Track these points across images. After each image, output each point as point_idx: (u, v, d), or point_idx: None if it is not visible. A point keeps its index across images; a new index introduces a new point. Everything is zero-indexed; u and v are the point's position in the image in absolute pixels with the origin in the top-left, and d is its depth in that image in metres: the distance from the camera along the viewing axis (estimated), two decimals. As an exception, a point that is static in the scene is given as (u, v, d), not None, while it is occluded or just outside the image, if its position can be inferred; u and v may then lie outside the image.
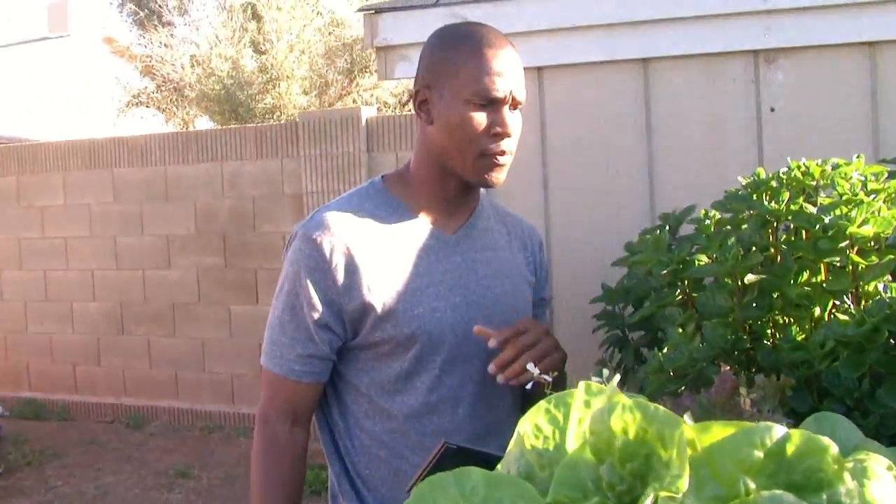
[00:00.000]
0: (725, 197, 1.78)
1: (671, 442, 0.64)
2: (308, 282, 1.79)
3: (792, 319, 1.59)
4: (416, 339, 1.81)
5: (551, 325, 2.50)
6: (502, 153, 1.79)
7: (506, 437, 1.83)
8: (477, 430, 1.86)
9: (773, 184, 1.68)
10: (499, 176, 1.82)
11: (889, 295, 1.45)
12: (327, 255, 1.78)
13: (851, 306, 1.56)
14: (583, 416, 0.73)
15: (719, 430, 0.68)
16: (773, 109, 2.38)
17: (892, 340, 1.41)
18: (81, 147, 8.20)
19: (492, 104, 1.76)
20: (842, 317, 1.48)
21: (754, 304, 1.61)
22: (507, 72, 1.77)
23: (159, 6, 14.57)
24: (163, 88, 14.79)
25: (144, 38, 14.73)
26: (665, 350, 1.64)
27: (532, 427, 0.75)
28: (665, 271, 1.75)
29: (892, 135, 2.30)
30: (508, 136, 1.79)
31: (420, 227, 1.88)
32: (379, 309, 1.79)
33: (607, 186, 2.51)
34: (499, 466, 0.78)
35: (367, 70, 13.16)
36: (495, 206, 2.10)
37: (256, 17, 13.17)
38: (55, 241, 8.28)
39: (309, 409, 1.89)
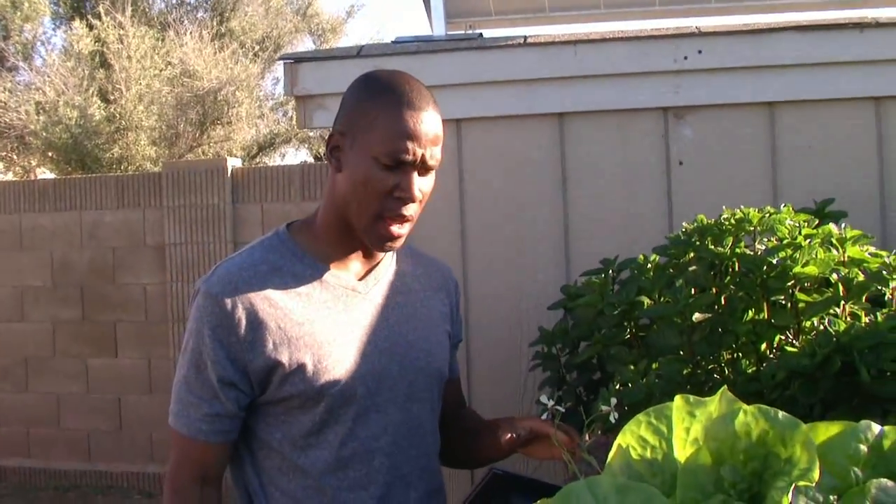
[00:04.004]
0: (669, 241, 1.89)
1: (792, 441, 0.73)
2: (211, 339, 1.71)
3: (740, 354, 1.71)
4: (325, 393, 1.74)
5: (464, 370, 2.58)
6: (401, 218, 1.74)
7: (426, 486, 1.91)
8: (393, 482, 1.84)
9: (716, 230, 1.80)
10: (393, 243, 1.77)
11: (835, 328, 1.57)
12: (230, 311, 1.71)
13: (794, 341, 1.68)
14: (690, 425, 0.80)
15: (824, 430, 0.76)
16: (681, 163, 2.53)
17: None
18: (-74, 192, 7.79)
19: (400, 166, 1.71)
20: (790, 349, 1.60)
21: (704, 341, 1.72)
22: (422, 136, 1.71)
23: (1, 49, 14.06)
24: (3, 136, 14.20)
25: (-15, 83, 14.09)
26: (618, 387, 1.73)
27: (636, 439, 0.82)
28: (616, 312, 1.84)
29: (790, 188, 2.49)
30: (412, 201, 1.73)
31: (326, 277, 1.82)
32: (286, 365, 1.72)
33: (523, 235, 2.61)
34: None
35: (219, 121, 13.03)
36: (409, 248, 2.04)
37: (106, 65, 12.86)
38: None
39: (220, 468, 1.81)
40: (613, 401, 1.47)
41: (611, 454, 0.83)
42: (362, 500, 1.80)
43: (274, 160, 15.34)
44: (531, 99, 2.60)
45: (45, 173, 14.39)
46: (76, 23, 13.44)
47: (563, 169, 2.59)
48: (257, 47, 14.72)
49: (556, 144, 2.60)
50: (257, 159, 14.82)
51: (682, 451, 0.80)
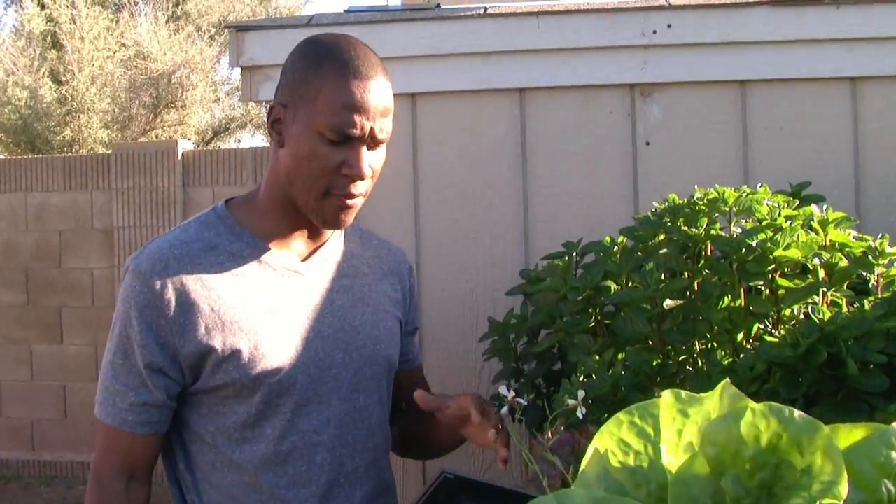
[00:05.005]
0: (638, 222, 1.76)
1: (812, 447, 0.59)
2: (138, 322, 1.58)
3: (715, 344, 1.58)
4: (261, 382, 1.61)
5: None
6: (350, 196, 1.61)
7: (373, 484, 1.76)
8: (337, 480, 1.70)
9: (687, 210, 1.67)
10: (344, 220, 1.65)
11: (819, 316, 1.44)
12: (158, 291, 1.58)
13: (773, 330, 1.56)
14: (683, 426, 0.66)
15: (846, 434, 0.63)
16: (648, 143, 2.40)
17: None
18: None
19: (347, 141, 1.57)
20: (770, 339, 1.47)
21: (675, 330, 1.58)
22: (370, 107, 1.57)
23: (-50, 29, 13.74)
24: (-49, 116, 13.88)
25: (-68, 62, 13.83)
26: (582, 378, 1.59)
27: (616, 443, 0.67)
28: (580, 297, 1.70)
29: (762, 170, 2.37)
30: (361, 178, 1.60)
31: (267, 256, 1.68)
32: (219, 351, 1.58)
33: (481, 216, 2.48)
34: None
35: (173, 105, 12.82)
36: (358, 229, 1.92)
37: (57, 45, 12.65)
38: None
39: (148, 462, 1.67)
40: (581, 394, 1.33)
41: (585, 460, 0.68)
42: (303, 499, 1.67)
43: (229, 145, 15.11)
44: (491, 73, 2.45)
45: (-6, 156, 14.17)
46: (28, 2, 13.22)
47: (524, 147, 2.45)
48: (213, 30, 14.48)
49: (516, 121, 2.46)
50: (212, 144, 14.61)
51: (673, 458, 0.66)
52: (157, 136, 12.72)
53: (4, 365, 7.24)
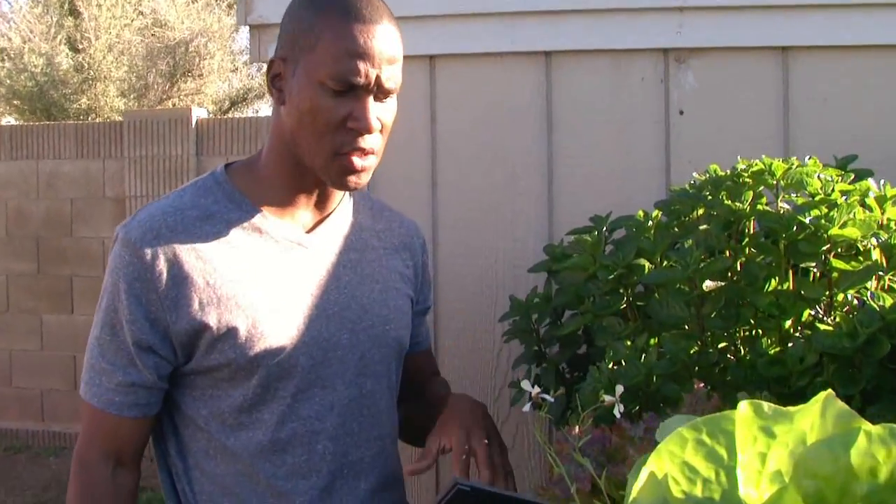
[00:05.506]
0: (674, 195, 1.61)
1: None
2: (127, 295, 1.46)
3: (760, 331, 1.43)
4: (259, 363, 1.50)
5: (434, 338, 2.30)
6: (360, 152, 1.48)
7: (379, 476, 1.62)
8: (340, 471, 1.58)
9: (730, 183, 1.51)
10: (357, 179, 1.51)
11: (879, 303, 1.29)
12: (149, 262, 1.46)
13: (825, 317, 1.40)
14: (767, 449, 0.51)
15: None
16: (682, 112, 2.25)
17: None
18: None
19: (352, 91, 1.45)
20: (823, 327, 1.32)
21: (716, 314, 1.43)
22: (375, 54, 1.44)
23: (-34, -5, 13.71)
24: (-33, 82, 13.88)
25: (-52, 27, 13.80)
26: (611, 365, 1.45)
27: (678, 466, 0.52)
28: (611, 277, 1.55)
29: (803, 142, 2.20)
30: (369, 131, 1.47)
31: (268, 227, 1.56)
32: (214, 328, 1.47)
33: (502, 188, 2.32)
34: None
35: (190, 74, 12.72)
36: (369, 199, 1.80)
37: (74, 13, 12.57)
38: None
39: (136, 446, 1.56)
40: (619, 388, 1.18)
41: (637, 485, 0.53)
42: (302, 491, 1.54)
43: (246, 115, 15.00)
44: (515, 35, 2.29)
45: (10, 121, 14.18)
46: (45, -32, 13.12)
47: (549, 114, 2.29)
48: (233, -1, 14.34)
49: (541, 86, 2.30)
50: (229, 114, 14.50)
51: (753, 490, 0.51)
52: (173, 105, 12.62)
53: (14, 335, 7.16)
